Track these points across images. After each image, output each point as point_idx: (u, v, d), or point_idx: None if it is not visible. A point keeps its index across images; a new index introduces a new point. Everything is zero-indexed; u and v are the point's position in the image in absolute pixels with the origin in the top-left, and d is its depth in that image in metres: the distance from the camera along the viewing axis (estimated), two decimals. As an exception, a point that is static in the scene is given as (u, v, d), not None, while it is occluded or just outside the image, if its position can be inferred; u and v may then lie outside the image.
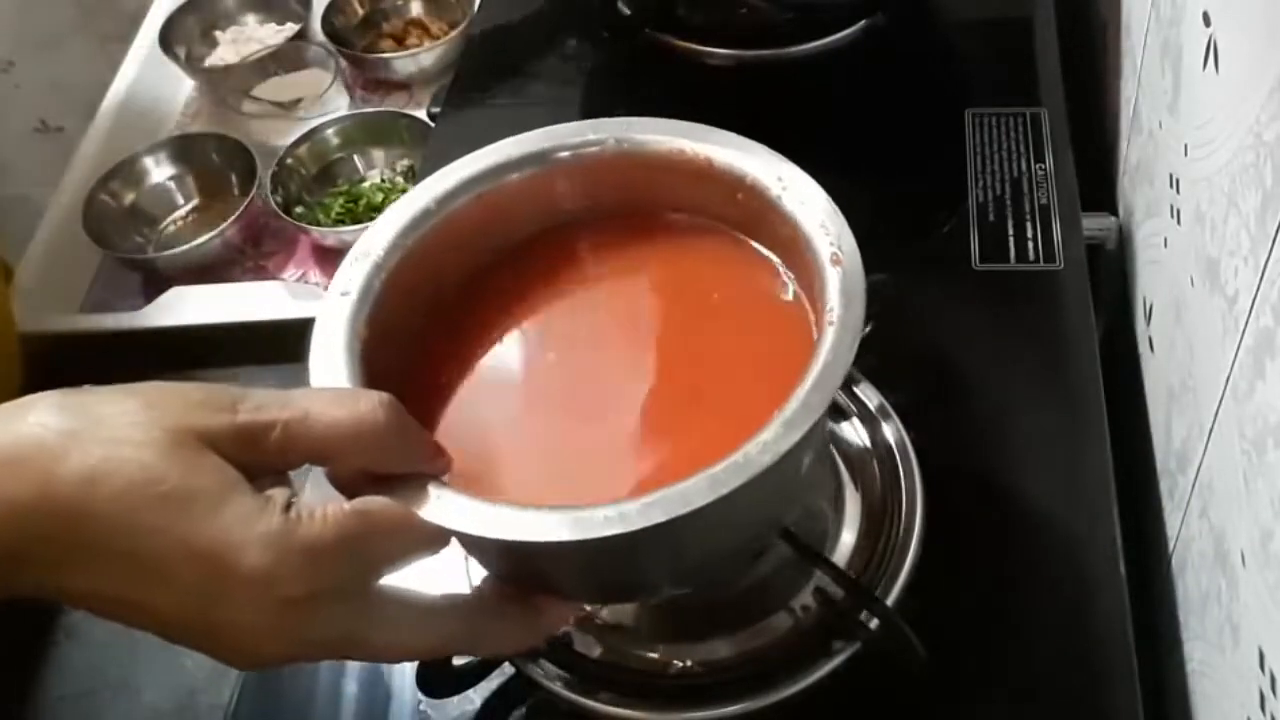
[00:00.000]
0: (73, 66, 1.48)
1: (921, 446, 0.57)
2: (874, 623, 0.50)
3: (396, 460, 0.41)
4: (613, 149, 0.51)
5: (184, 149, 0.98)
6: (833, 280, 0.44)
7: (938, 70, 0.80)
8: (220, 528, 0.37)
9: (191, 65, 1.05)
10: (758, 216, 0.49)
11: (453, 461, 0.43)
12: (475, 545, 0.45)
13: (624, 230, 0.53)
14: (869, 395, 0.59)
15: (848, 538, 0.55)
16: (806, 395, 0.41)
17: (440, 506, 0.40)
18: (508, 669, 0.53)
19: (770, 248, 0.50)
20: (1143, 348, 0.65)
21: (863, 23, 0.78)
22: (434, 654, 0.43)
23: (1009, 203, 0.69)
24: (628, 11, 0.79)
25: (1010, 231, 0.67)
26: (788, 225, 0.47)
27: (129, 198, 0.96)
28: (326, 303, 0.46)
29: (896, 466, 0.56)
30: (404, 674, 0.56)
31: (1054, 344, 0.63)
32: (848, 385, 0.60)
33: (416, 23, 1.08)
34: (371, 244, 0.48)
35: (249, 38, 1.09)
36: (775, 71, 0.78)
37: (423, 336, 0.49)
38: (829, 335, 0.43)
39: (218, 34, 1.09)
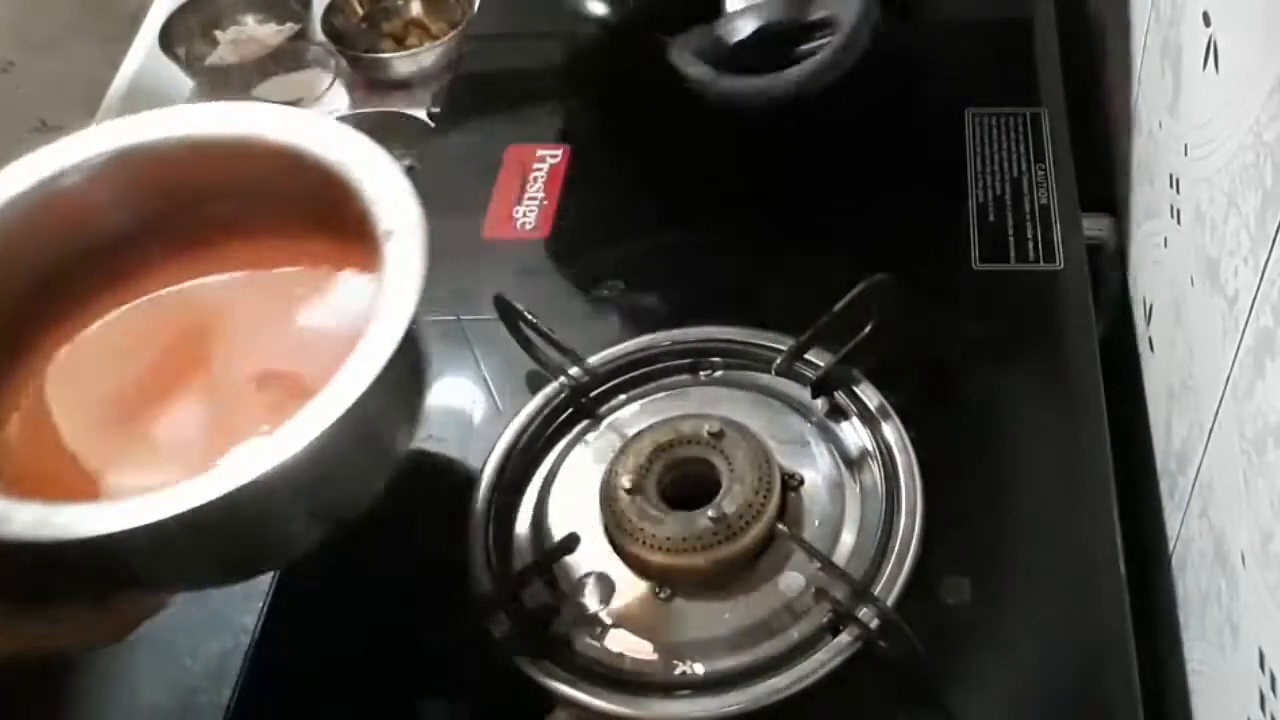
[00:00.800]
0: (73, 66, 1.47)
1: (921, 446, 0.57)
2: (874, 622, 0.51)
3: None
4: (167, 143, 0.50)
5: (184, 149, 0.98)
6: (390, 254, 0.44)
7: (938, 70, 0.80)
8: None
9: (191, 65, 1.05)
10: (333, 201, 0.48)
11: None
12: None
13: (187, 230, 0.51)
14: (869, 395, 0.59)
15: (848, 538, 0.55)
16: (350, 366, 0.41)
17: None
18: (508, 669, 0.53)
19: (346, 233, 0.48)
20: (1143, 348, 0.65)
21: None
22: None
23: (1009, 203, 0.69)
24: (628, 12, 0.79)
25: (1010, 231, 0.67)
26: (356, 204, 0.47)
27: (129, 198, 0.95)
28: None
29: (896, 466, 0.56)
30: (403, 673, 0.56)
31: (1054, 344, 0.63)
32: (847, 385, 0.60)
33: (416, 23, 1.08)
34: None
35: (249, 38, 1.09)
36: (775, 71, 0.78)
37: None
38: (379, 312, 0.43)
39: (218, 34, 1.09)
